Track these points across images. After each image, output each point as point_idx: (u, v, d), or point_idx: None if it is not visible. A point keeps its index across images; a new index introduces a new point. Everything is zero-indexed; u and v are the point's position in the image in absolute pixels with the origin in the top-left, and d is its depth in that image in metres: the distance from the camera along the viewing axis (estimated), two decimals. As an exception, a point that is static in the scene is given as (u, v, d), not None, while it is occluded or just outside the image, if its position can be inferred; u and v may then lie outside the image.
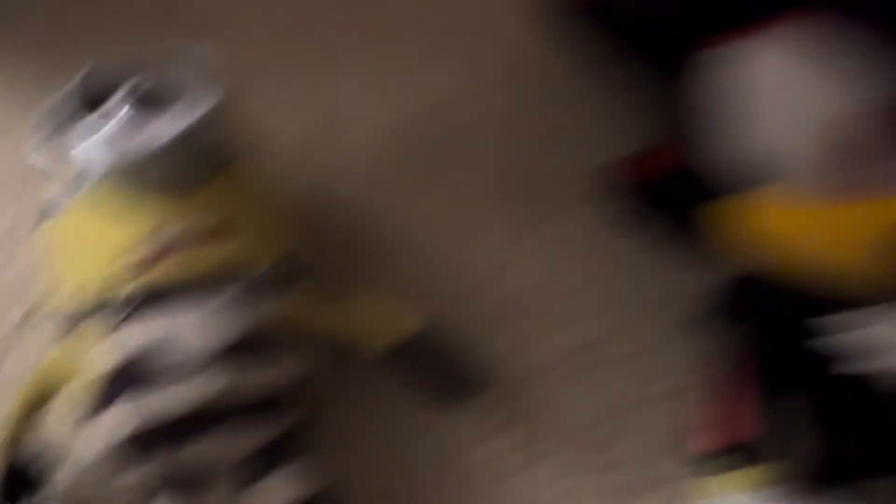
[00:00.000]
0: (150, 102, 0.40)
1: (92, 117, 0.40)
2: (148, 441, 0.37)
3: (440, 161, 0.56)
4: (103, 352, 0.37)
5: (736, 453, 0.39)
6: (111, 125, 0.39)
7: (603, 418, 0.47)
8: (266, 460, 0.38)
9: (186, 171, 0.39)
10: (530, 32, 0.56)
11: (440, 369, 0.45)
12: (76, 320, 0.39)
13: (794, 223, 0.41)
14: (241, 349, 0.37)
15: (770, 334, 0.41)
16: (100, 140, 0.39)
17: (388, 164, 0.55)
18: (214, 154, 0.40)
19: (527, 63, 0.59)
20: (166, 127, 0.39)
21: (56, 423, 0.40)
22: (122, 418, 0.36)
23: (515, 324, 0.49)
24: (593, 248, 0.53)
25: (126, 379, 0.37)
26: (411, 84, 0.58)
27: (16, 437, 0.39)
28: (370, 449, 0.46)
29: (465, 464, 0.46)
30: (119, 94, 0.40)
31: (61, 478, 0.39)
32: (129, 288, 0.37)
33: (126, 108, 0.39)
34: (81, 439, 0.38)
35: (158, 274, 0.38)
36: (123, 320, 0.37)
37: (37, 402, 0.40)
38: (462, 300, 0.50)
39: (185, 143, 0.38)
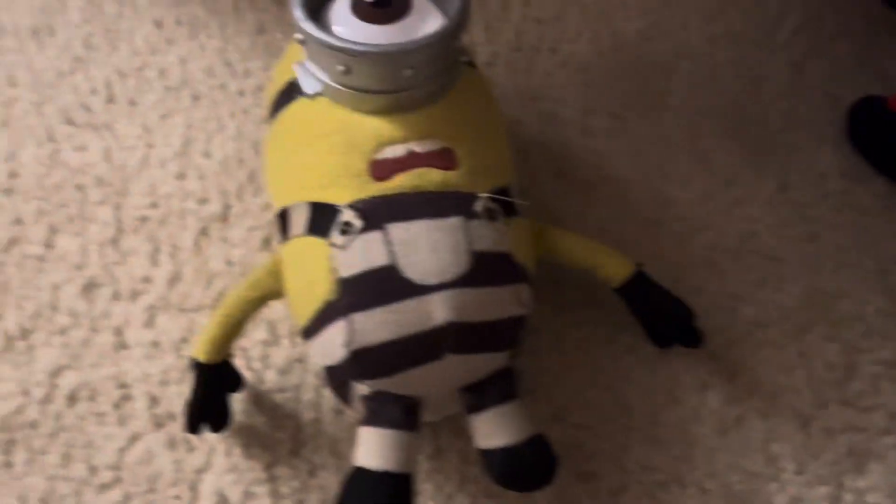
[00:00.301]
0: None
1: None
2: (367, 362, 0.38)
3: (663, 87, 0.56)
4: (336, 261, 0.38)
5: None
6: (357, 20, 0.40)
7: (821, 381, 0.48)
8: (488, 392, 0.39)
9: (420, 82, 0.39)
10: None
11: (659, 311, 0.46)
12: (306, 217, 0.39)
13: None
14: (468, 280, 0.37)
15: None
16: (347, 31, 0.39)
17: (603, 88, 0.56)
18: (447, 69, 0.41)
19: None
20: (415, 25, 0.40)
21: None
22: (344, 338, 0.37)
23: (735, 273, 0.51)
24: (825, 195, 0.53)
25: (355, 293, 0.37)
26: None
27: (235, 328, 0.41)
28: (585, 387, 0.47)
29: (680, 410, 0.47)
30: None
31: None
32: (363, 194, 0.38)
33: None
34: (309, 348, 0.40)
35: (389, 187, 0.38)
36: (358, 230, 0.38)
37: (260, 297, 0.41)
38: (678, 240, 0.51)
39: (415, 50, 0.38)
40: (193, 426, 0.42)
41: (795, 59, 0.57)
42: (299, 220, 0.39)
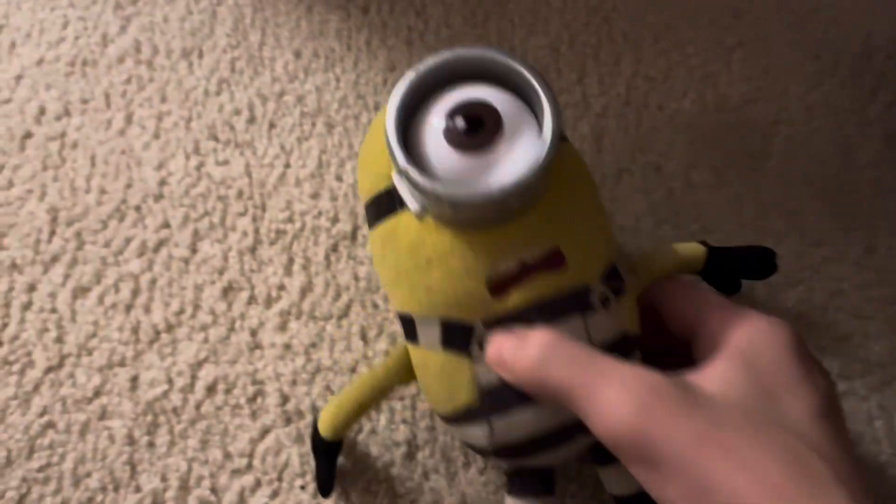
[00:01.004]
0: (479, 124, 0.38)
1: (431, 128, 0.39)
2: (507, 452, 0.41)
3: (762, 149, 0.60)
4: (475, 372, 0.39)
5: None
6: (446, 155, 0.38)
7: None
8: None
9: (518, 204, 0.39)
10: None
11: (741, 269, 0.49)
12: (439, 332, 0.40)
13: None
14: None
15: None
16: (434, 168, 0.38)
17: (706, 145, 0.60)
18: (544, 183, 0.39)
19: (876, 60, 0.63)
20: (504, 167, 0.38)
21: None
22: (486, 438, 0.40)
23: (822, 328, 0.54)
24: None
25: (496, 400, 0.39)
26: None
27: (363, 412, 0.44)
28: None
29: None
30: (452, 115, 0.39)
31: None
32: (490, 312, 0.39)
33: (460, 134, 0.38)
34: (453, 430, 0.43)
35: (506, 305, 0.39)
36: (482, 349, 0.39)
37: (393, 386, 0.44)
38: (771, 293, 0.55)
39: (523, 186, 0.37)
40: (326, 492, 0.46)
41: (887, 132, 0.60)
42: (431, 333, 0.40)
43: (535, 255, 0.39)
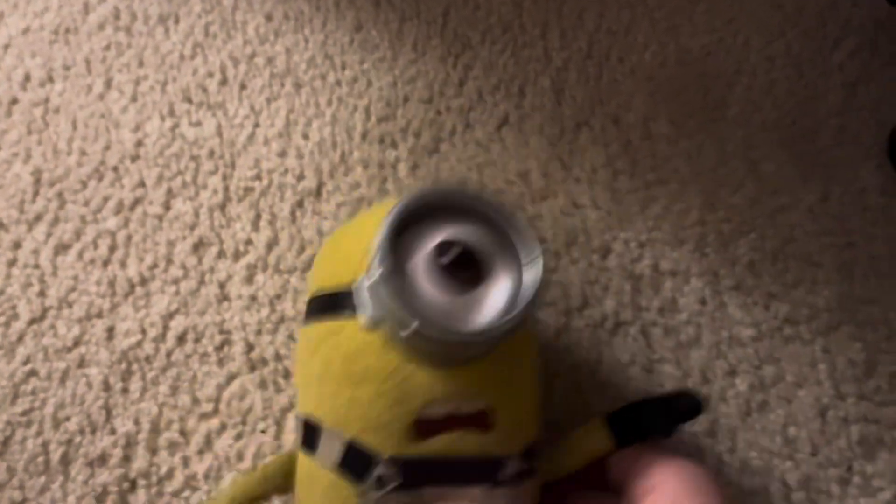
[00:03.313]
0: (463, 262, 0.37)
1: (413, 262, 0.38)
2: None
3: (722, 100, 0.61)
4: None
5: None
6: (423, 286, 0.37)
7: (842, 376, 0.53)
8: None
9: (481, 350, 0.38)
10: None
11: (663, 416, 0.44)
12: (339, 452, 0.38)
13: None
14: None
15: None
16: (408, 294, 0.37)
17: (666, 97, 0.61)
18: (507, 334, 0.38)
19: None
20: (479, 309, 0.37)
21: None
22: None
23: (773, 274, 0.55)
24: (864, 208, 0.58)
25: None
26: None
27: None
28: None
29: (709, 391, 0.52)
30: (439, 254, 0.38)
31: None
32: (404, 450, 0.37)
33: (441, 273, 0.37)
34: None
35: (420, 449, 0.37)
36: (393, 488, 0.37)
37: (268, 492, 0.42)
38: (723, 241, 0.56)
39: (493, 331, 0.36)
40: None
41: (849, 81, 0.61)
42: (331, 449, 0.39)
43: (467, 409, 0.38)
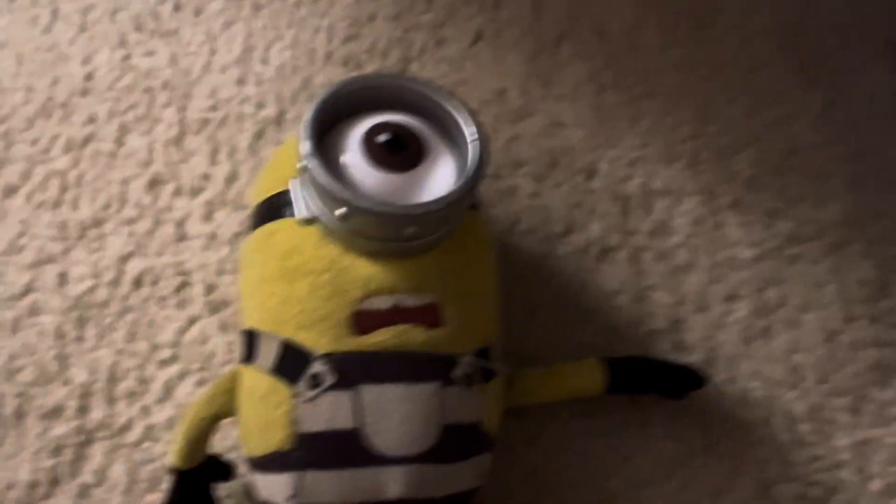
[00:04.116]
0: (402, 144, 0.37)
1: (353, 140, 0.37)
2: None
3: (712, 5, 0.57)
4: (298, 413, 0.36)
5: None
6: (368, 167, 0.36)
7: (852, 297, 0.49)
8: None
9: (420, 234, 0.36)
10: None
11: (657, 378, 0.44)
12: (276, 355, 0.37)
13: None
14: (432, 455, 0.36)
15: None
16: (355, 175, 0.36)
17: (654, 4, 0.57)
18: (454, 221, 0.37)
19: None
20: (421, 191, 0.36)
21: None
22: (291, 491, 0.36)
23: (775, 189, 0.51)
24: (873, 114, 0.54)
25: (311, 451, 0.36)
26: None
27: (197, 441, 0.39)
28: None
29: (706, 318, 0.49)
30: (377, 133, 0.37)
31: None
32: (340, 347, 0.36)
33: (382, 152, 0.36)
34: (256, 480, 0.39)
35: (361, 344, 0.36)
36: (328, 386, 0.35)
37: (215, 415, 0.39)
38: (720, 155, 0.52)
39: (431, 207, 0.35)
40: None
41: (855, -24, 0.56)
42: (268, 353, 0.37)
43: (413, 302, 0.36)
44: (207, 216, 0.51)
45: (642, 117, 0.53)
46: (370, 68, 0.54)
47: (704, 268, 0.49)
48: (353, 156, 0.37)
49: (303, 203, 0.37)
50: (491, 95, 0.54)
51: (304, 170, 0.36)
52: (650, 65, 0.54)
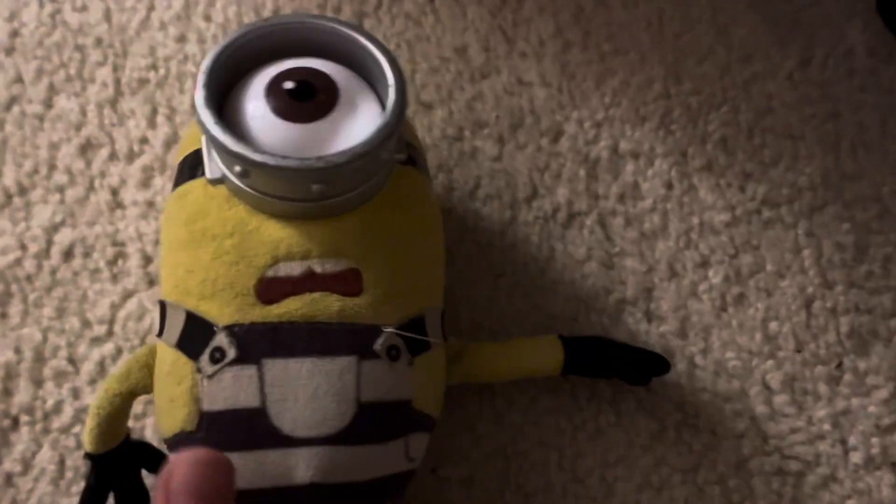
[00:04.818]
0: (309, 91, 0.33)
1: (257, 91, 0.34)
2: None
3: None
4: (201, 391, 0.33)
5: None
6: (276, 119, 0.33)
7: (829, 262, 0.47)
8: None
9: (333, 195, 0.33)
10: None
11: (618, 361, 0.41)
12: (180, 327, 0.34)
13: None
14: (345, 436, 0.33)
15: None
16: (260, 129, 0.33)
17: None
18: (371, 177, 0.34)
19: None
20: (334, 143, 0.33)
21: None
22: None
23: (747, 151, 0.48)
24: (850, 73, 0.51)
25: (214, 432, 0.33)
26: None
27: (112, 420, 0.36)
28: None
29: (677, 286, 0.46)
30: (286, 81, 0.33)
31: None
32: (244, 318, 0.33)
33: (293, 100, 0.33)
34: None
35: (268, 313, 0.33)
36: (230, 361, 0.32)
37: (130, 392, 0.36)
38: (691, 116, 0.49)
39: (353, 161, 0.32)
40: None
41: (830, -71, 0.53)
42: (173, 326, 0.34)
43: (329, 268, 0.33)
44: (145, 183, 0.47)
45: (611, 76, 0.50)
46: (320, 24, 0.51)
47: (676, 233, 0.47)
48: (257, 105, 0.33)
49: (209, 160, 0.34)
50: (451, 53, 0.50)
51: (199, 121, 0.32)
52: (619, 21, 0.51)
